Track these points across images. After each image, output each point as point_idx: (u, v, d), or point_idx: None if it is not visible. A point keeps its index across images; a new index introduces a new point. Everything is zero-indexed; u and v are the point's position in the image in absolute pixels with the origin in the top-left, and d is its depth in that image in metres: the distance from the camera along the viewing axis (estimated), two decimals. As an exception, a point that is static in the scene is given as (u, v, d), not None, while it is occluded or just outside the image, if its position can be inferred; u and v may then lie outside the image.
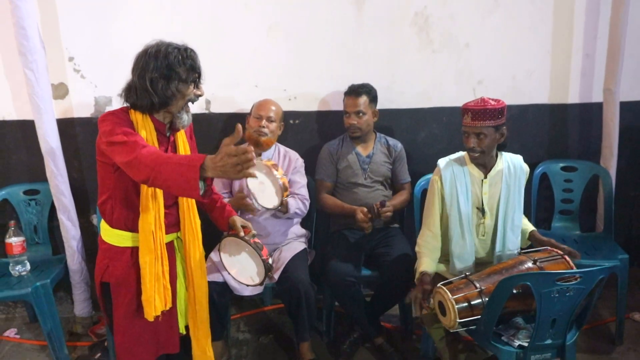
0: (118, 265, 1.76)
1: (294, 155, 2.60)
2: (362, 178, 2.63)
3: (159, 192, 1.72)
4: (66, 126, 2.70)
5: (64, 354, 2.53)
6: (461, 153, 2.27)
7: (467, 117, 2.12)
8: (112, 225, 1.75)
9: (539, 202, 2.94)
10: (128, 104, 1.71)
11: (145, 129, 1.66)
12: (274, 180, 2.17)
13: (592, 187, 2.95)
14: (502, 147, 2.22)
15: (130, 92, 1.67)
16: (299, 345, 2.43)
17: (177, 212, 1.84)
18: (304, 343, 2.41)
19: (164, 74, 1.61)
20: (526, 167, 2.23)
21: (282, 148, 2.62)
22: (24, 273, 2.55)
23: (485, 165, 2.18)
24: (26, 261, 2.57)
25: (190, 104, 1.73)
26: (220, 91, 2.79)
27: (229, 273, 2.10)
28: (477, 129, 2.09)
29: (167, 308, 1.77)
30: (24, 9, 2.26)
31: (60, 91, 2.69)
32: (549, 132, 2.98)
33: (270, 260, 1.99)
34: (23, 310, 2.98)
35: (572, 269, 1.96)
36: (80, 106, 2.73)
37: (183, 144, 1.81)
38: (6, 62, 2.62)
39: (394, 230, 2.65)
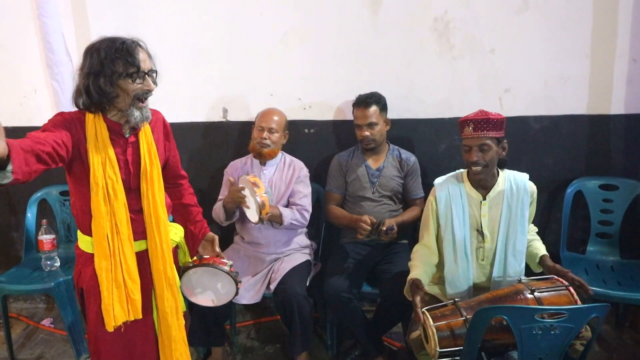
0: (88, 271, 1.73)
1: (299, 164, 2.58)
2: (369, 192, 2.55)
3: (116, 195, 1.66)
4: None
5: (83, 346, 2.69)
6: (459, 171, 2.13)
7: (467, 128, 2.00)
8: (81, 230, 1.75)
9: (573, 222, 2.68)
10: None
11: (95, 129, 1.62)
12: (254, 198, 2.19)
13: (637, 208, 2.62)
14: (503, 165, 2.05)
15: (75, 92, 1.63)
16: (294, 358, 2.40)
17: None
18: (298, 356, 2.37)
19: (97, 70, 1.55)
20: (531, 187, 2.04)
21: (288, 157, 2.61)
22: (54, 268, 2.75)
23: (484, 185, 2.03)
24: (56, 257, 2.77)
25: (141, 100, 1.64)
26: (236, 99, 2.83)
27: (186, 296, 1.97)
28: (480, 139, 1.96)
29: (131, 319, 1.72)
30: (50, 24, 2.46)
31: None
32: (587, 146, 2.68)
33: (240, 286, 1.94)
34: (60, 301, 3.23)
35: (575, 303, 1.76)
36: (109, 114, 2.90)
37: (148, 145, 1.74)
38: (46, 74, 2.82)
39: (401, 246, 2.54)
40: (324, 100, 2.79)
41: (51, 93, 2.66)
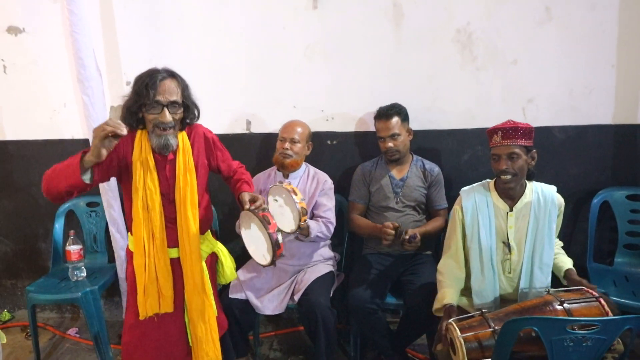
0: (129, 268, 1.96)
1: (323, 176, 2.58)
2: (393, 202, 2.55)
3: (153, 204, 1.85)
4: (123, 145, 2.95)
5: (108, 356, 2.72)
6: (486, 181, 2.12)
7: (496, 137, 2.00)
8: (129, 230, 1.97)
9: (599, 233, 2.64)
10: None
11: (141, 145, 1.87)
12: (292, 205, 2.18)
13: (666, 219, 2.58)
14: (531, 177, 2.03)
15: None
16: (317, 369, 2.39)
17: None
18: (321, 368, 2.37)
19: (130, 100, 1.84)
20: (559, 200, 2.02)
21: (312, 169, 2.62)
22: (80, 278, 2.80)
23: (512, 196, 2.02)
24: (83, 267, 2.81)
25: (160, 129, 1.83)
26: (260, 112, 2.87)
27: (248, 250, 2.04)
28: (509, 148, 1.96)
29: (162, 312, 1.91)
30: (82, 41, 2.53)
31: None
32: (613, 157, 2.65)
33: (279, 237, 1.88)
34: (86, 311, 3.27)
35: (606, 314, 1.73)
36: (136, 126, 2.96)
37: (184, 163, 1.90)
38: (75, 89, 2.90)
39: (425, 257, 2.53)
40: (347, 112, 2.81)
41: (81, 107, 2.72)
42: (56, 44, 2.86)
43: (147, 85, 1.75)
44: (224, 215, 2.95)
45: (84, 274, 2.81)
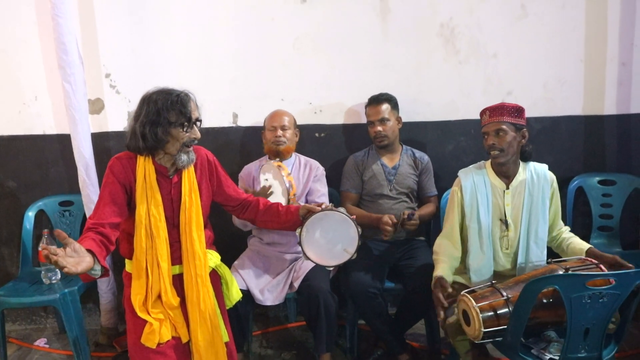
0: (129, 291, 1.90)
1: (315, 163, 2.60)
2: (387, 189, 2.59)
3: (158, 232, 1.83)
4: (101, 139, 2.81)
5: (87, 363, 2.55)
6: (482, 162, 2.22)
7: (485, 116, 2.13)
8: (125, 256, 1.96)
9: (576, 217, 2.80)
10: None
11: (145, 171, 1.82)
12: (280, 179, 2.24)
13: (634, 201, 2.78)
14: (527, 158, 2.14)
15: (129, 137, 1.83)
16: (318, 357, 2.35)
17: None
18: (323, 355, 2.32)
19: (152, 119, 1.75)
20: (551, 176, 2.14)
21: (303, 157, 2.63)
22: (54, 281, 2.61)
23: (507, 174, 2.12)
24: (57, 269, 2.62)
25: (189, 146, 1.85)
26: (247, 104, 2.84)
27: (326, 265, 2.09)
28: (496, 124, 2.06)
29: (175, 335, 1.85)
30: (65, 25, 2.41)
31: (96, 106, 2.81)
32: (584, 145, 2.85)
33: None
34: (54, 320, 3.05)
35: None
36: (115, 120, 2.84)
37: (189, 184, 1.90)
38: (48, 80, 2.77)
39: (419, 242, 2.57)
40: (335, 105, 2.84)
41: (61, 96, 2.58)
42: (28, 33, 2.71)
43: (180, 105, 1.76)
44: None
45: (59, 276, 2.64)
